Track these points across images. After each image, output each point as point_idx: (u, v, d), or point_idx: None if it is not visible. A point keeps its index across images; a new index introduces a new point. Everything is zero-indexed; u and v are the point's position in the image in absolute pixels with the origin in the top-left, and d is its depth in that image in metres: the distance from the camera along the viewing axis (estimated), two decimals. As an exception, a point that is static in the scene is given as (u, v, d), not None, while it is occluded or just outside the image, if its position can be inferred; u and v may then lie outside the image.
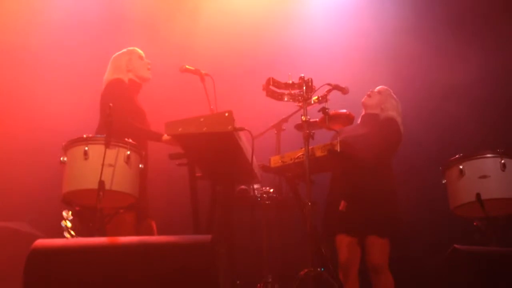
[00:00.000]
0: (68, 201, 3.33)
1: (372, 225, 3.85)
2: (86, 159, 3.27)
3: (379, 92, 4.21)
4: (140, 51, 4.11)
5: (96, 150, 3.28)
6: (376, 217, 3.84)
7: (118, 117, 3.48)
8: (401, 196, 4.04)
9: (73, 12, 5.61)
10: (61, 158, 3.34)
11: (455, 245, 3.14)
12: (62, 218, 3.17)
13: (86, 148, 3.28)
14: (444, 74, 5.38)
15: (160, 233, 3.76)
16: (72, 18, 5.58)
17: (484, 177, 3.60)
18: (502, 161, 3.61)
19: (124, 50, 4.09)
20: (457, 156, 3.76)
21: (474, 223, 3.71)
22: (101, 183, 3.17)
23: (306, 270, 3.44)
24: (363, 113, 4.24)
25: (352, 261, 3.88)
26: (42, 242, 2.66)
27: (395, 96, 4.23)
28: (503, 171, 3.60)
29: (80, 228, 3.31)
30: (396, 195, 4.00)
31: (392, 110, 4.13)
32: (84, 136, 3.34)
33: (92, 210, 3.22)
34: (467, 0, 5.52)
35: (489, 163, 3.65)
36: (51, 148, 3.83)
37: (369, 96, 4.22)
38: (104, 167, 3.19)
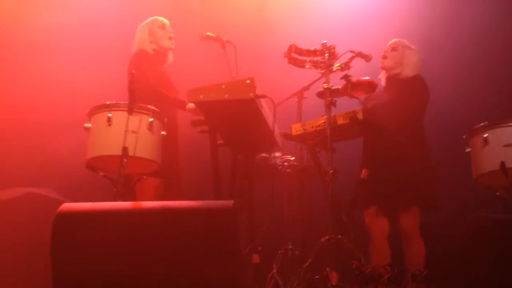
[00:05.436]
0: (92, 167, 3.38)
1: (403, 198, 3.79)
2: (109, 125, 3.29)
3: (393, 48, 4.07)
4: (162, 19, 4.11)
5: (119, 117, 3.30)
6: (406, 190, 3.78)
7: (142, 85, 3.51)
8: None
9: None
10: (85, 125, 3.38)
11: (478, 213, 3.13)
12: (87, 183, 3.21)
13: (110, 115, 3.30)
14: (474, 40, 5.21)
15: (182, 198, 3.80)
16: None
17: (509, 145, 3.54)
18: (528, 130, 3.56)
19: (148, 20, 4.10)
20: (481, 124, 3.70)
21: (497, 193, 3.67)
22: (125, 149, 3.20)
23: (327, 237, 3.47)
24: (385, 75, 4.13)
25: (381, 229, 3.89)
26: (68, 205, 2.73)
27: (412, 46, 4.08)
28: (529, 139, 3.54)
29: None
30: (427, 160, 3.89)
31: (412, 66, 3.99)
32: (108, 102, 3.36)
33: (116, 175, 3.27)
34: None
35: (514, 131, 3.60)
36: (76, 114, 3.86)
37: (384, 57, 4.08)
38: (127, 133, 3.23)
